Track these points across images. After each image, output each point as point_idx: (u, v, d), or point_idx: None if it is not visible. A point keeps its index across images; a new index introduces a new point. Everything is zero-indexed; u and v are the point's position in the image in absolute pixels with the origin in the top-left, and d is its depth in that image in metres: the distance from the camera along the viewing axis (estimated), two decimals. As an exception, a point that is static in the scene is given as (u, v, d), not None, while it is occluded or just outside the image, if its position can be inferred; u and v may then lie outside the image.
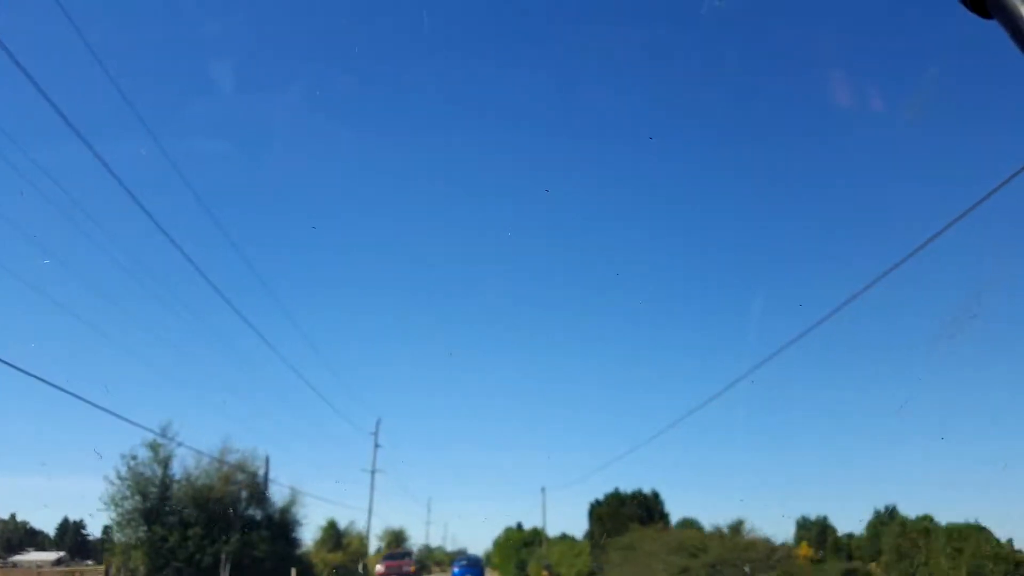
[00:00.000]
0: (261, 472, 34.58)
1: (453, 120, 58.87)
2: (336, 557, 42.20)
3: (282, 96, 50.95)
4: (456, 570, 46.77)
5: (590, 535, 34.48)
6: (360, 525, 55.39)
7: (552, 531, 62.77)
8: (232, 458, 32.87)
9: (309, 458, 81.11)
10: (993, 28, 1.34)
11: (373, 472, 61.73)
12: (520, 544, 64.31)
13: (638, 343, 67.95)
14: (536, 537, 63.55)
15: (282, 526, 34.76)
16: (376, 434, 62.40)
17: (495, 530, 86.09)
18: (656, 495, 31.91)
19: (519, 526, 70.42)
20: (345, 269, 71.35)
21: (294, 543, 35.20)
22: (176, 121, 44.40)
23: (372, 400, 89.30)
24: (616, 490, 33.88)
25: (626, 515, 30.20)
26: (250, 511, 33.91)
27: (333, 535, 45.75)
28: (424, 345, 77.61)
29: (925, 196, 43.11)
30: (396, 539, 73.01)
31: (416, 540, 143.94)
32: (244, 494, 33.87)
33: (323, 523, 47.00)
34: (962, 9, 1.42)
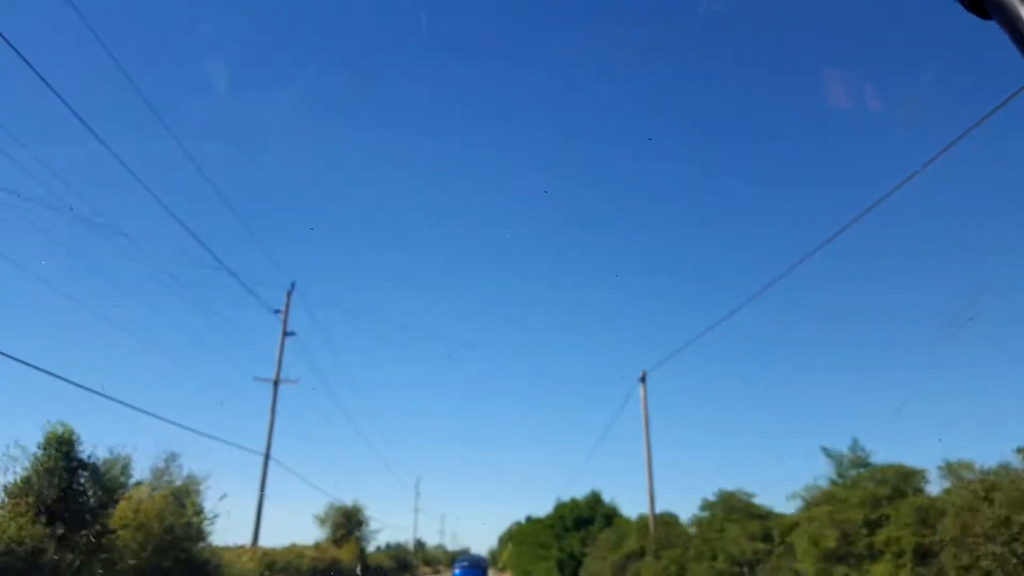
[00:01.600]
0: None
1: (451, 120, 57.13)
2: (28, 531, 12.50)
3: (279, 96, 48.98)
4: (456, 571, 42.01)
5: None
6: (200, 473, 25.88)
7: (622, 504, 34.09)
8: None
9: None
10: (992, 29, 1.31)
11: (277, 383, 32.26)
12: (567, 524, 34.36)
13: (636, 341, 62.01)
14: (596, 511, 33.30)
15: None
16: (286, 311, 32.89)
17: (499, 526, 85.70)
18: None
19: (528, 519, 56.16)
20: (343, 268, 70.07)
21: None
22: (172, 121, 37.09)
23: (371, 398, 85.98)
24: None
25: None
26: None
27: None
28: (423, 343, 76.62)
29: (923, 196, 39.32)
30: (347, 518, 43.69)
31: (395, 529, 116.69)
32: None
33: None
34: (960, 9, 1.38)
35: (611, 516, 31.91)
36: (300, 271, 71.52)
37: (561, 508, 36.16)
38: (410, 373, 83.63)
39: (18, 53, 12.97)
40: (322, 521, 44.45)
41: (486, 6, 55.20)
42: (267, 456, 30.17)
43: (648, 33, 44.13)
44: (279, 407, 31.25)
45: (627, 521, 30.22)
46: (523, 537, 48.82)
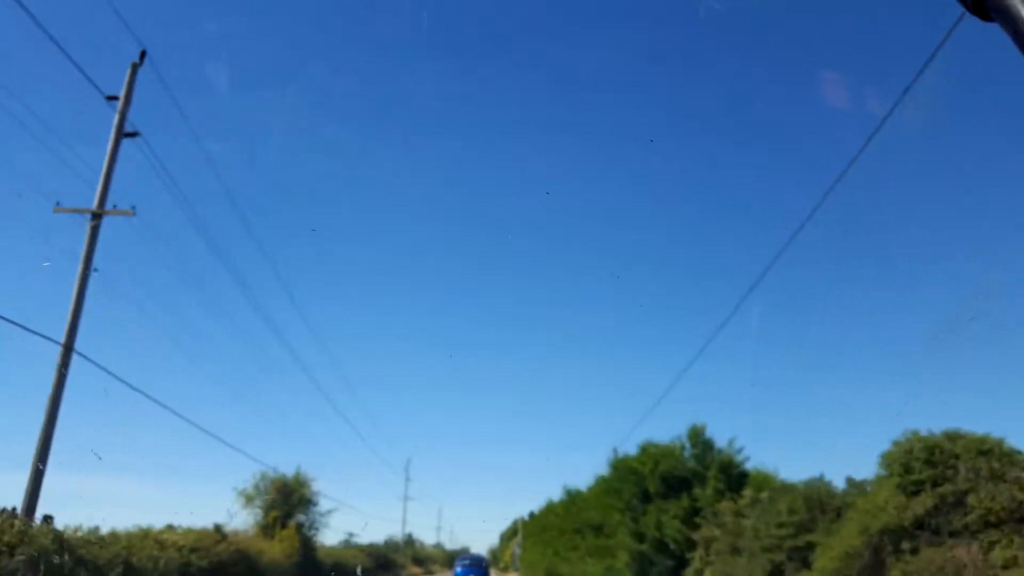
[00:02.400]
0: None
1: (453, 120, 58.07)
2: None
3: (280, 96, 48.24)
4: (458, 570, 40.20)
5: None
6: None
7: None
8: None
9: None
10: (994, 30, 1.28)
11: (99, 215, 17.48)
12: (649, 491, 18.85)
13: (635, 344, 63.71)
14: (707, 462, 17.98)
15: None
16: (125, 97, 18.07)
17: (499, 525, 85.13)
18: None
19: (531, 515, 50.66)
20: (343, 269, 68.26)
21: None
22: (173, 119, 36.27)
23: (372, 396, 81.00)
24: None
25: None
26: None
27: None
28: (423, 344, 75.06)
29: (924, 198, 42.73)
30: (285, 495, 29.21)
31: (387, 522, 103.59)
32: None
33: None
34: (962, 11, 1.35)
35: (735, 470, 16.63)
36: (300, 271, 68.15)
37: (632, 461, 19.56)
38: (410, 371, 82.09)
39: (68, 57, 14.46)
40: (249, 498, 29.88)
41: (487, 6, 54.67)
42: (68, 347, 15.54)
43: (648, 34, 44.05)
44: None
45: (771, 480, 15.25)
46: (548, 522, 34.24)
